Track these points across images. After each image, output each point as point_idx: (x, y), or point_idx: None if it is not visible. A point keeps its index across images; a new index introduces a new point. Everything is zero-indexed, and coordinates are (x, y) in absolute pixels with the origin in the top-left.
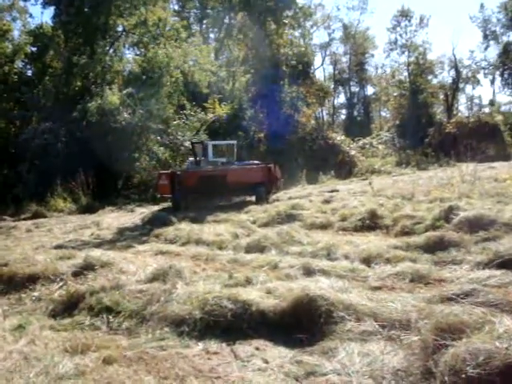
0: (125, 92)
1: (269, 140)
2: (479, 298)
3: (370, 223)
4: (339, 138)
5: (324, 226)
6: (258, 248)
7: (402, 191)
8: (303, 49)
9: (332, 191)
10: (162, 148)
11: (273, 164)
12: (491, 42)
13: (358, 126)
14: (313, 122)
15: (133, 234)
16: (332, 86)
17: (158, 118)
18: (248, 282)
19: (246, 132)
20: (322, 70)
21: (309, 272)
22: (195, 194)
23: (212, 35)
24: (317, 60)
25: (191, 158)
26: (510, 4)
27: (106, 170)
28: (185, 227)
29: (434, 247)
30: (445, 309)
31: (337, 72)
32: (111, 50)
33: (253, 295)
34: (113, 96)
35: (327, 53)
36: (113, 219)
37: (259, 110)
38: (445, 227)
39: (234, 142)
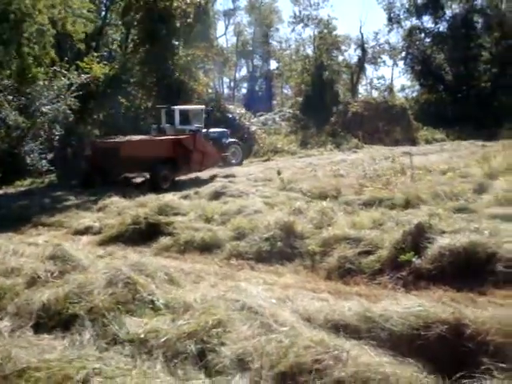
0: None
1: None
2: None
3: (284, 247)
4: (239, 111)
5: (206, 248)
6: (60, 321)
7: (322, 184)
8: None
9: (226, 176)
10: (15, 113)
11: (196, 134)
12: (395, 26)
13: (259, 102)
14: (210, 91)
15: None
16: (234, 58)
17: (11, 74)
18: None
19: (129, 100)
20: (224, 40)
21: None
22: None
23: None
24: (219, 29)
25: (155, 126)
26: None
27: None
28: None
29: (428, 349)
30: None
31: (240, 44)
32: None
33: None
34: None
35: (231, 22)
36: None
37: (147, 73)
38: (416, 265)
39: (203, 107)
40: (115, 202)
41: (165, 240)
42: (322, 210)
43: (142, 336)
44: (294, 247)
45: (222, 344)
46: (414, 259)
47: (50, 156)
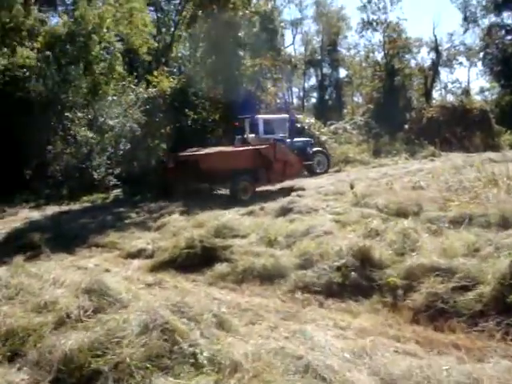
0: (41, 54)
1: (226, 122)
2: None
3: (359, 279)
4: (308, 120)
5: (267, 278)
6: (80, 378)
7: (400, 198)
8: (267, 8)
9: (295, 190)
10: (83, 129)
11: (276, 143)
12: (471, 25)
13: (329, 111)
14: (278, 101)
15: None
16: (303, 68)
17: (81, 90)
18: None
19: (196, 112)
20: (292, 50)
21: None
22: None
23: None
24: (287, 39)
25: (239, 136)
26: None
27: (8, 155)
28: None
29: None
30: None
31: (308, 53)
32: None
33: None
34: (26, 53)
35: (298, 31)
36: None
37: (214, 85)
38: None
39: (287, 116)
40: (174, 220)
41: (221, 267)
42: (402, 232)
43: None
44: (370, 279)
45: None
46: None
47: (116, 171)
